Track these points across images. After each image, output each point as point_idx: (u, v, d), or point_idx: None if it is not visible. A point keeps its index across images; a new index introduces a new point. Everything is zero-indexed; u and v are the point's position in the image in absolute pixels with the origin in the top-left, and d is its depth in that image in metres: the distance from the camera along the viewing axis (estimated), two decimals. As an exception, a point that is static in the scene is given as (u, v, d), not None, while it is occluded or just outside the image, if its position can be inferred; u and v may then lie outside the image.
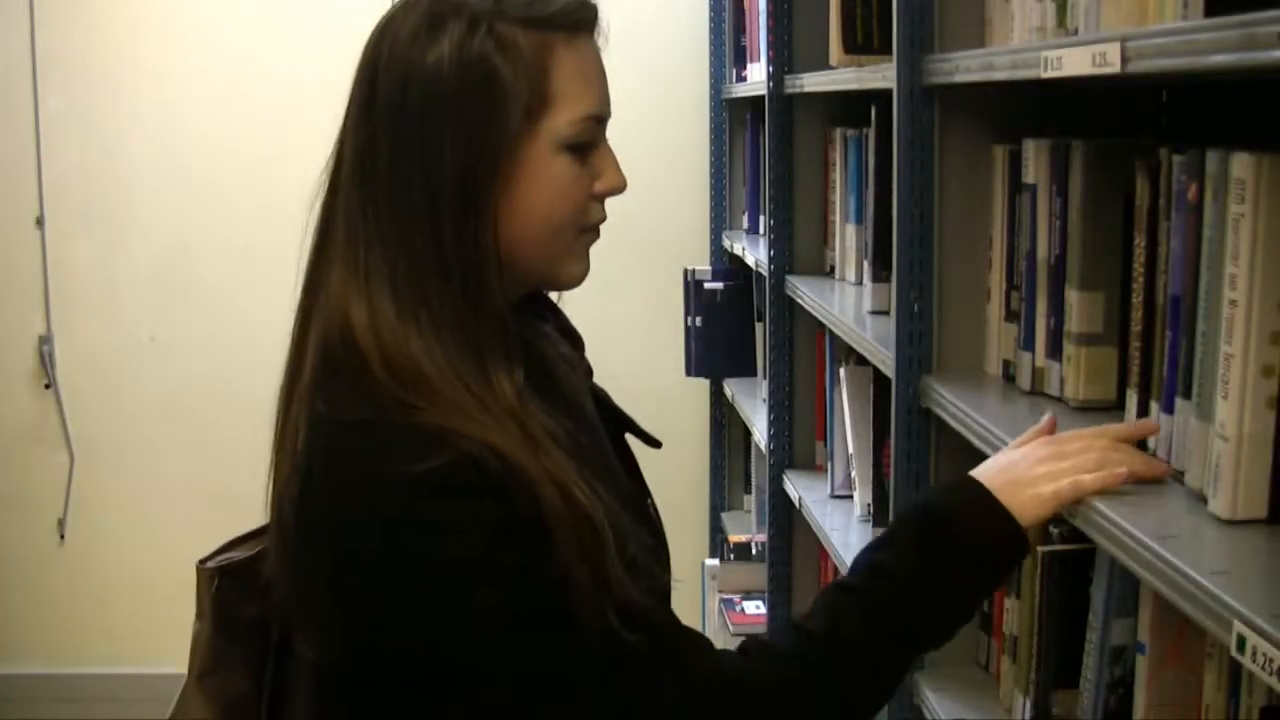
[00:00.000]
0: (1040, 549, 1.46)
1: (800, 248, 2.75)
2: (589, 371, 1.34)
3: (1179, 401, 1.21)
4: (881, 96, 1.85)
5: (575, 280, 1.24)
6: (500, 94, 1.13)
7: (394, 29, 1.16)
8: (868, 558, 1.19)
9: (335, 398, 1.12)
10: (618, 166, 1.22)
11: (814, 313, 2.42)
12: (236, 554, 1.26)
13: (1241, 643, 0.90)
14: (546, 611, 1.06)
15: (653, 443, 1.35)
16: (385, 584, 1.08)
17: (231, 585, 1.25)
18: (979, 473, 1.22)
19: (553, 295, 1.34)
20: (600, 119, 1.19)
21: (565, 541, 1.06)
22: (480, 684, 1.09)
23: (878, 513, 2.09)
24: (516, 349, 1.15)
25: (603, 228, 1.24)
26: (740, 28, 3.39)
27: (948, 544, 1.18)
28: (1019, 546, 1.19)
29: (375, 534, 1.07)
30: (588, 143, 1.18)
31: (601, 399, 1.33)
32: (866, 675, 1.15)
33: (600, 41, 1.21)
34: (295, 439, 1.14)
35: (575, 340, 1.34)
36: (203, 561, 1.26)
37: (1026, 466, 1.20)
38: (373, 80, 1.16)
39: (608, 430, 1.29)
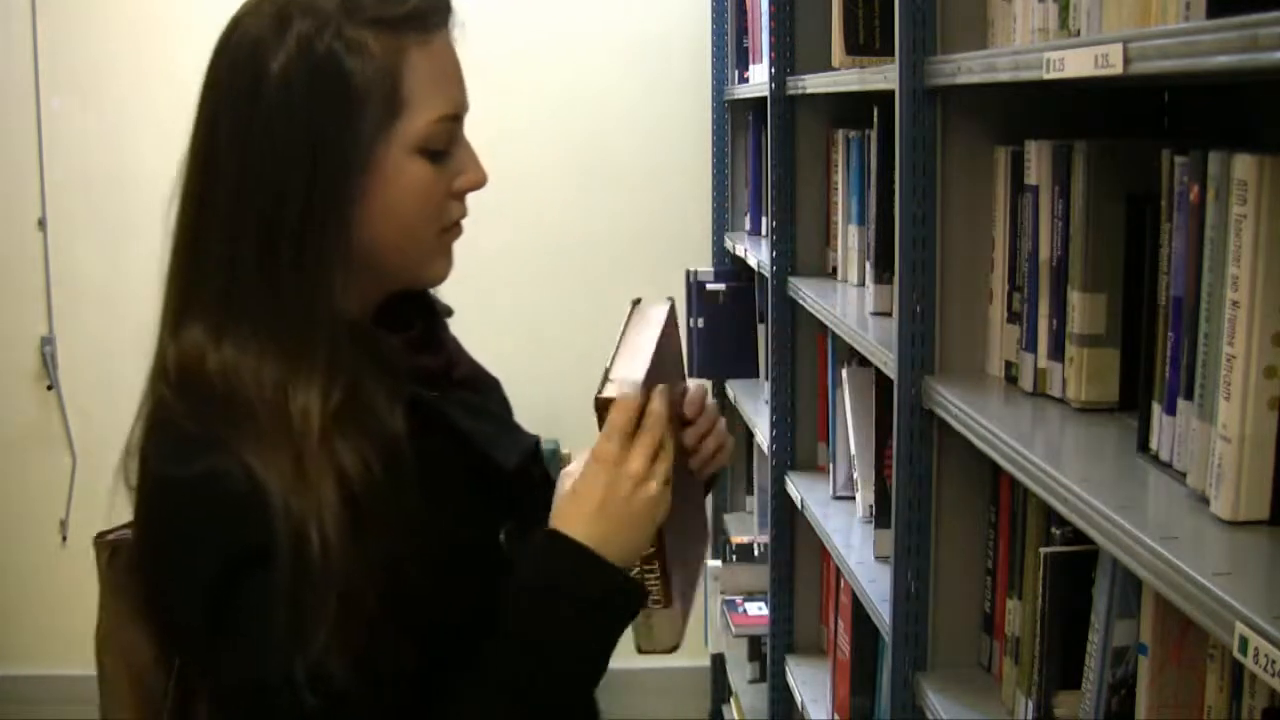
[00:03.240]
0: (1043, 550, 1.46)
1: (802, 249, 2.75)
2: (472, 380, 1.29)
3: (1181, 403, 1.21)
4: (883, 98, 1.85)
5: (439, 278, 1.21)
6: (352, 101, 1.08)
7: (240, 32, 1.11)
8: (489, 646, 1.10)
9: (148, 400, 1.14)
10: (478, 162, 1.17)
11: (816, 314, 2.42)
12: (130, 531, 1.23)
13: (1244, 644, 0.90)
14: (245, 640, 1.04)
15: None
16: (147, 570, 1.13)
17: (124, 561, 1.24)
18: (570, 530, 1.12)
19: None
20: (456, 117, 1.15)
21: (280, 582, 1.02)
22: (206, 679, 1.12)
23: (879, 514, 2.09)
24: (342, 369, 1.09)
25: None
26: (742, 29, 3.39)
27: (563, 624, 1.10)
28: (634, 598, 1.14)
29: (142, 529, 1.14)
30: (444, 144, 1.14)
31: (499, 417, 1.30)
32: None
33: (456, 32, 1.16)
34: None
35: (439, 347, 1.26)
36: (101, 535, 1.27)
37: (613, 503, 1.12)
38: (216, 86, 1.11)
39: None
